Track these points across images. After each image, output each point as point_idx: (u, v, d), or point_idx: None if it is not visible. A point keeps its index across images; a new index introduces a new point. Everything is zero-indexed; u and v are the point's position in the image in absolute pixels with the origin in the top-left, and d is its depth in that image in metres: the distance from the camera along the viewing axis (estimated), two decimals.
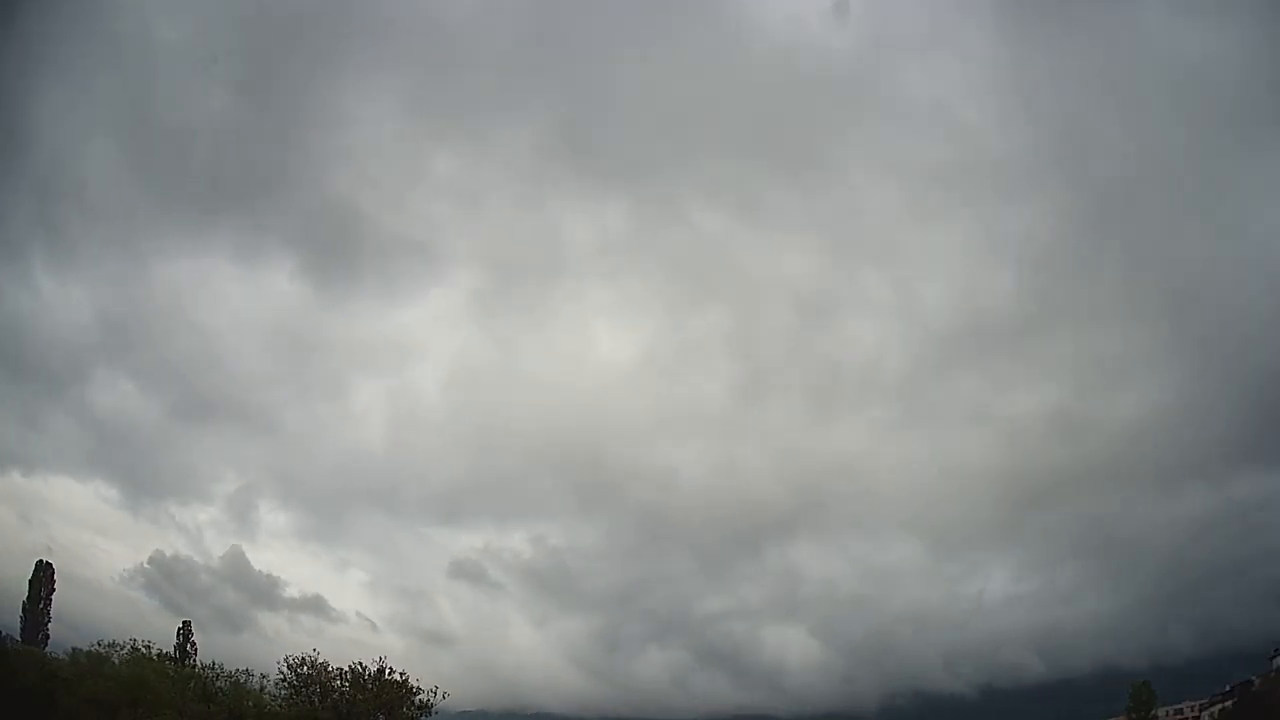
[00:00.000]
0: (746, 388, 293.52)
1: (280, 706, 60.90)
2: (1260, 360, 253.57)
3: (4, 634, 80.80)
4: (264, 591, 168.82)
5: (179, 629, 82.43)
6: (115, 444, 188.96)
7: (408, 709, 61.27)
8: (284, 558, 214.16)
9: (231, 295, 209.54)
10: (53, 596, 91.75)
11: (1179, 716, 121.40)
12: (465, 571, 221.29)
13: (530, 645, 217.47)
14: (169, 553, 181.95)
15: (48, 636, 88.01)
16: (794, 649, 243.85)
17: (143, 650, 63.50)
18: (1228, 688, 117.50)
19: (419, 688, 61.73)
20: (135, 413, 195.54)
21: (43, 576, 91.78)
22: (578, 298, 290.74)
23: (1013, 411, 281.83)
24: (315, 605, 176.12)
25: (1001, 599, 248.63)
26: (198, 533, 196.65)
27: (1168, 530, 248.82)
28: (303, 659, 60.42)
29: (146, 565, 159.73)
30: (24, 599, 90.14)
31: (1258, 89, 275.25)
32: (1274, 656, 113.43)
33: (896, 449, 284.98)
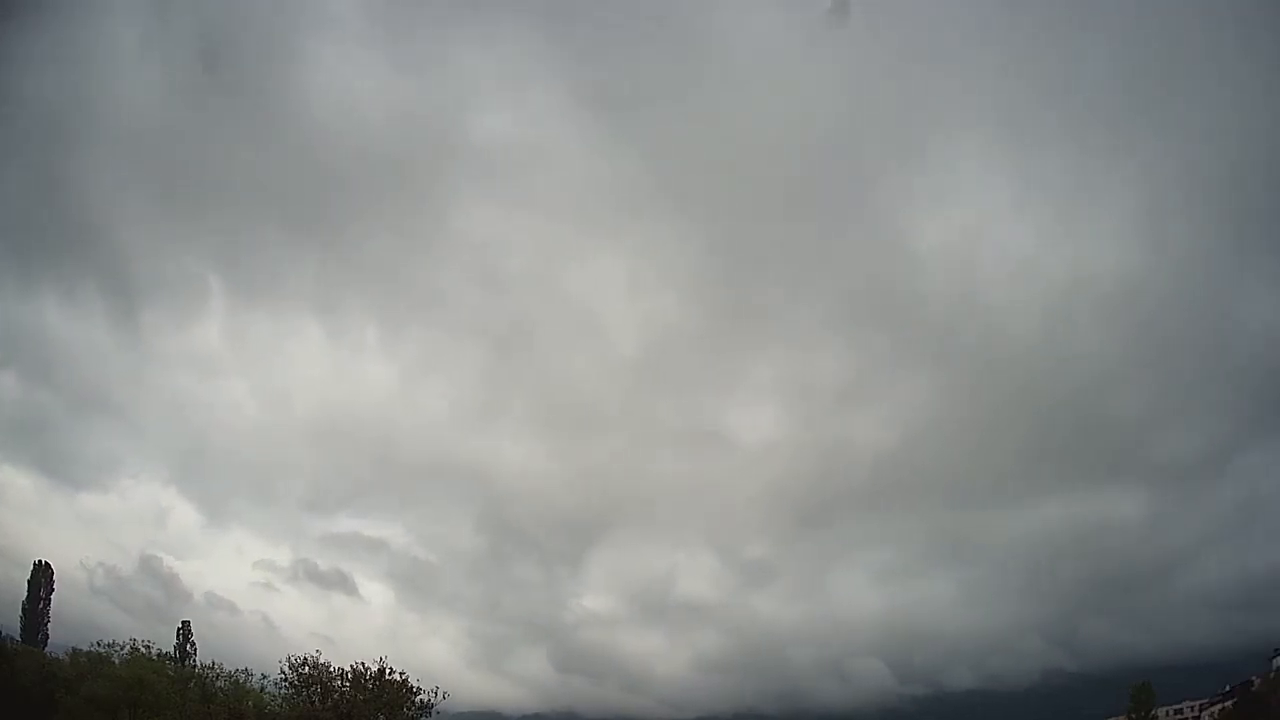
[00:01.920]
0: (484, 408, 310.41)
1: (280, 706, 60.75)
2: (1006, 373, 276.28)
3: (4, 634, 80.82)
4: (180, 589, 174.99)
5: (179, 629, 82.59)
6: (20, 436, 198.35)
7: (408, 709, 61.05)
8: (191, 558, 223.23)
9: (63, 333, 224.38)
10: (52, 597, 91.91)
11: (1179, 716, 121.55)
12: (331, 575, 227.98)
13: (430, 645, 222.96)
14: (87, 546, 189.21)
15: (47, 637, 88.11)
16: (659, 655, 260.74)
17: (142, 650, 63.49)
18: (1227, 688, 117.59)
19: (419, 688, 61.63)
20: (27, 410, 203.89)
21: (41, 577, 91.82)
22: (305, 324, 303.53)
23: (751, 430, 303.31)
24: (221, 602, 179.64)
25: (846, 613, 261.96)
26: (102, 525, 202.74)
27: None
28: (304, 659, 60.20)
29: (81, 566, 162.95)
30: (23, 599, 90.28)
31: (874, 97, 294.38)
32: (1274, 656, 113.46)
33: (653, 468, 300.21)
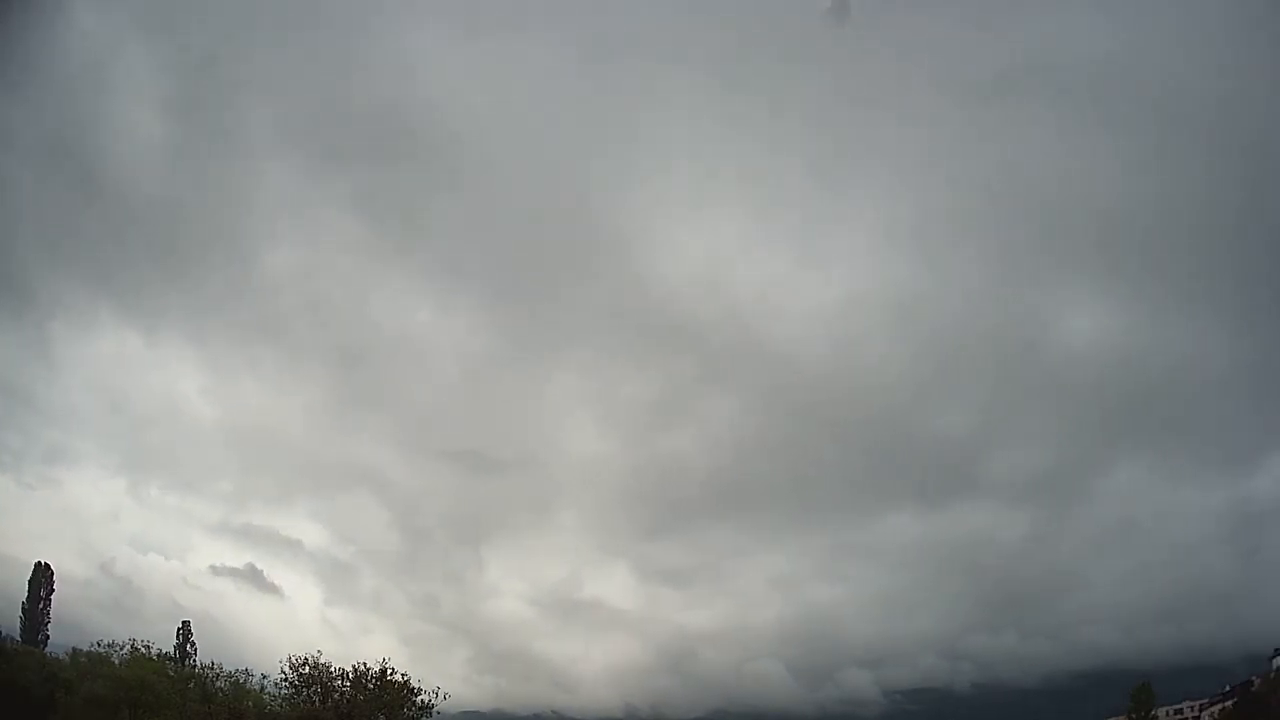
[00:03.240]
0: (348, 424, 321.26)
1: (280, 707, 60.75)
2: (799, 394, 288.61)
3: (4, 634, 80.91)
4: (135, 588, 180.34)
5: (179, 629, 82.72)
6: None
7: (409, 709, 61.11)
8: (140, 558, 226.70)
9: None
10: (52, 597, 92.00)
11: (1179, 716, 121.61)
12: (264, 575, 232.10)
13: (369, 645, 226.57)
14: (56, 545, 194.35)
15: (47, 637, 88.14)
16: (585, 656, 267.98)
17: (142, 650, 63.48)
18: (1227, 688, 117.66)
19: (420, 688, 61.69)
20: None
21: (42, 578, 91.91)
22: (181, 347, 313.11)
23: (575, 448, 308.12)
24: (168, 602, 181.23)
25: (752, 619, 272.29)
26: (61, 523, 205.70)
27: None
28: (305, 659, 60.25)
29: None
30: (23, 599, 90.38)
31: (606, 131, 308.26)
32: (1274, 657, 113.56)
33: (494, 482, 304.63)
